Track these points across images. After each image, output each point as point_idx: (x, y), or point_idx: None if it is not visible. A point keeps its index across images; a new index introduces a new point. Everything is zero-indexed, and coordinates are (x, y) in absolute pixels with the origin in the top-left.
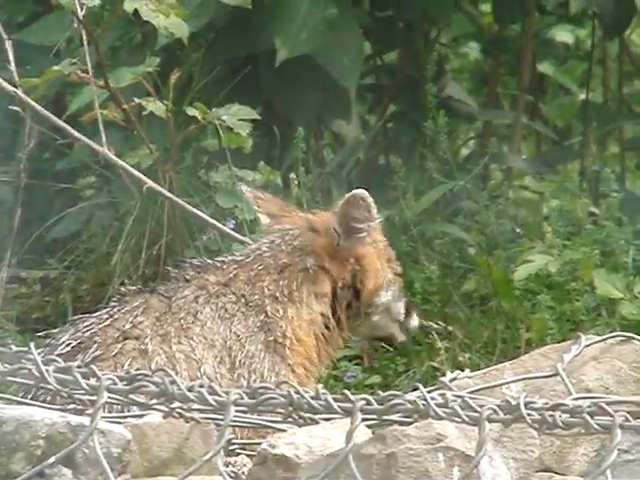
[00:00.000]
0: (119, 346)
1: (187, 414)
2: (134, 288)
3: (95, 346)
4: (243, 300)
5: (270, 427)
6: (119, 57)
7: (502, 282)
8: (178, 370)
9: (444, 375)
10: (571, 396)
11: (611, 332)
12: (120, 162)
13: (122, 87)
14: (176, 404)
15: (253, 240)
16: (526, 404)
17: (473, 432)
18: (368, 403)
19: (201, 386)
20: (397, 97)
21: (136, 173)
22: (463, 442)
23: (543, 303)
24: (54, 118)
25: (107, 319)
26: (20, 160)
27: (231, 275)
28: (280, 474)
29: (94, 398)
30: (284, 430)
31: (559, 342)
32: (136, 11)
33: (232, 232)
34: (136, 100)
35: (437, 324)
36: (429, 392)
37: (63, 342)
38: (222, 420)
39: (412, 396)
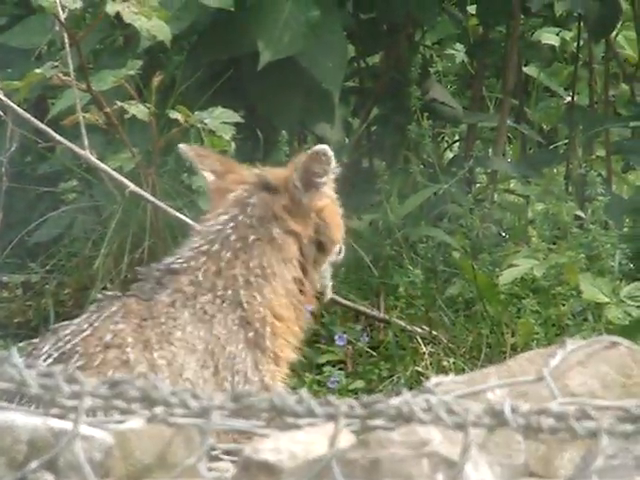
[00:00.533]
0: (101, 356)
1: (169, 419)
2: (110, 293)
3: (77, 356)
4: (219, 297)
5: (253, 432)
6: (101, 60)
7: (487, 286)
8: (160, 377)
9: (428, 380)
10: (557, 401)
11: (597, 336)
12: (102, 166)
13: (104, 90)
14: (158, 409)
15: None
16: (511, 409)
17: (458, 437)
18: (351, 408)
19: (184, 390)
20: (381, 100)
21: (118, 177)
22: (448, 447)
23: (528, 307)
24: (36, 121)
25: (87, 328)
26: (1, 163)
27: (202, 270)
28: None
29: (76, 403)
30: (267, 435)
31: (545, 347)
32: (118, 14)
33: None
34: (118, 103)
35: (421, 328)
36: (413, 397)
37: (45, 352)
38: (205, 425)
39: (396, 401)
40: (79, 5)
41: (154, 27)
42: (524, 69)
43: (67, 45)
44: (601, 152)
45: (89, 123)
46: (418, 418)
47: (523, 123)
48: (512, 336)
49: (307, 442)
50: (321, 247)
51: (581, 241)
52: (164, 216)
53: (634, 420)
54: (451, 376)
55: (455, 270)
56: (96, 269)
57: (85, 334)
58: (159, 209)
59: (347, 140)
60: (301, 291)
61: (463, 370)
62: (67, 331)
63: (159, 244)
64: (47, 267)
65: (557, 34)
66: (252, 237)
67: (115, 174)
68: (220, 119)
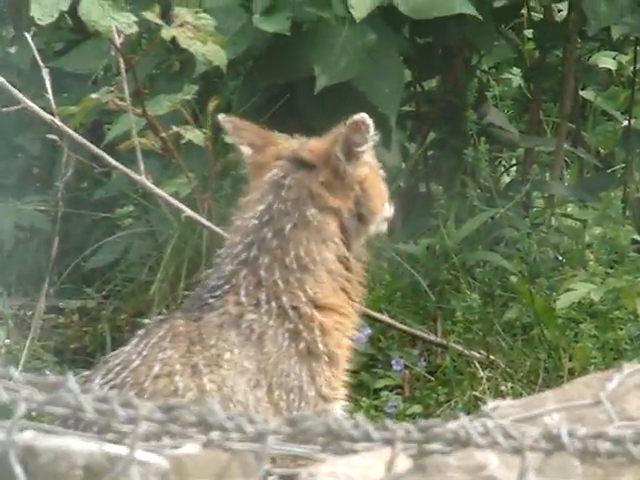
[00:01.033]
0: (152, 387)
1: (225, 444)
2: (157, 318)
3: (127, 386)
4: (264, 314)
5: (309, 456)
6: (157, 85)
7: (544, 311)
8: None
9: (486, 404)
10: (614, 424)
11: None
12: (158, 191)
13: (160, 115)
14: (214, 433)
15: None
16: (568, 433)
17: (515, 461)
18: (408, 432)
19: (240, 415)
20: (437, 124)
21: (174, 202)
22: (504, 471)
23: (586, 332)
24: (92, 146)
25: (136, 358)
26: (58, 189)
27: (244, 286)
28: None
29: (132, 428)
30: (323, 460)
31: (602, 371)
32: (174, 39)
33: None
34: (174, 128)
35: (479, 353)
36: (470, 421)
37: (96, 385)
38: (260, 449)
39: (453, 425)
40: (135, 30)
41: (210, 52)
42: (581, 93)
43: (123, 70)
44: None
45: (145, 148)
46: (475, 442)
47: (580, 147)
48: (569, 360)
49: (364, 466)
50: (362, 218)
51: (638, 265)
52: (220, 241)
53: None
54: (508, 400)
55: (512, 294)
56: (152, 294)
57: (134, 365)
58: (215, 234)
59: (404, 165)
60: (347, 268)
61: (521, 395)
62: (117, 361)
63: None
64: (103, 292)
65: (614, 58)
66: (288, 226)
67: (171, 199)
68: None
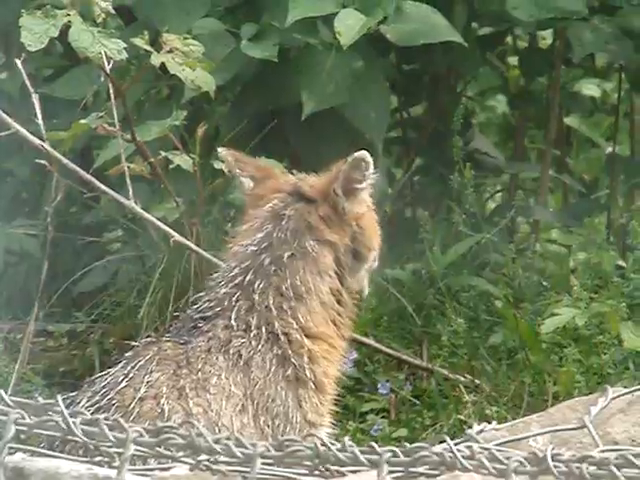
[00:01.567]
0: (137, 409)
1: (214, 466)
2: (146, 340)
3: (113, 409)
4: (253, 338)
5: None
6: (146, 111)
7: (529, 335)
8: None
9: (471, 428)
10: (598, 448)
11: (638, 385)
12: (147, 215)
13: (149, 141)
14: (203, 456)
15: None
16: (553, 456)
17: None
18: (395, 455)
19: (228, 438)
20: (423, 150)
21: (163, 226)
22: None
23: (570, 356)
24: (81, 172)
25: (123, 379)
26: (47, 214)
27: (235, 310)
28: None
29: (121, 451)
30: None
31: (586, 395)
32: (163, 65)
33: None
34: (163, 153)
35: (464, 377)
36: (456, 444)
37: (82, 407)
38: (249, 473)
39: (439, 448)
40: (124, 56)
41: (198, 78)
42: (565, 120)
43: (112, 96)
44: None
45: (134, 173)
46: (461, 465)
47: (565, 173)
48: (554, 384)
49: None
50: (357, 255)
51: (622, 290)
52: (208, 266)
53: None
54: (493, 424)
55: (497, 319)
56: (141, 318)
57: (121, 387)
58: (203, 259)
59: (390, 190)
60: (339, 302)
61: (505, 418)
62: (103, 383)
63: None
64: (92, 316)
65: (598, 85)
66: (286, 254)
67: (160, 224)
68: None
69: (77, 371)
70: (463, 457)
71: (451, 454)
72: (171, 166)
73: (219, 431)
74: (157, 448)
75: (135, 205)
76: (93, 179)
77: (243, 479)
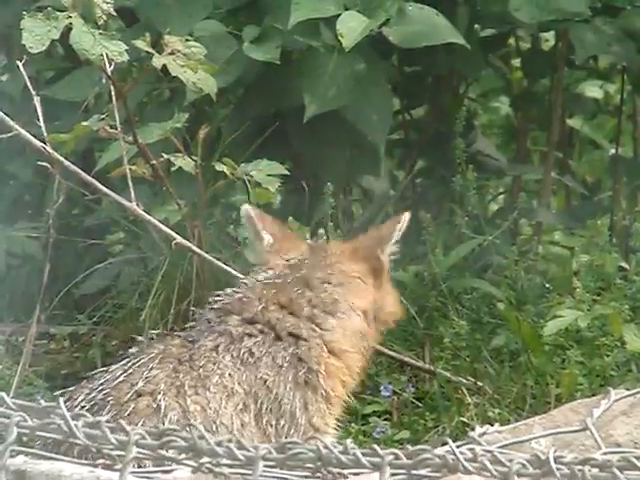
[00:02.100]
0: (132, 405)
1: (216, 469)
2: (156, 335)
3: (108, 407)
4: (272, 335)
5: None
6: (147, 113)
7: (532, 337)
8: (193, 424)
9: (473, 430)
10: (600, 450)
11: None
12: (149, 218)
13: (151, 143)
14: (205, 459)
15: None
16: (555, 458)
17: None
18: (397, 457)
19: (230, 441)
20: (426, 152)
21: (165, 229)
22: None
23: (573, 358)
24: (83, 174)
25: (121, 375)
26: (49, 216)
27: (256, 308)
28: None
29: (123, 453)
30: None
31: (589, 397)
32: (164, 67)
33: None
34: (165, 156)
35: (466, 379)
36: (458, 447)
37: (78, 404)
38: (251, 475)
39: (441, 451)
40: (125, 58)
41: (200, 80)
42: (568, 121)
43: (114, 98)
44: None
45: (136, 175)
46: (463, 468)
47: (567, 175)
48: (556, 387)
49: None
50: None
51: (625, 292)
52: (210, 268)
53: None
54: (496, 426)
55: (500, 321)
56: (143, 321)
57: (117, 381)
58: (205, 261)
59: (392, 192)
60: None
61: (508, 421)
62: (101, 380)
63: (205, 296)
64: (94, 319)
65: (600, 87)
66: (317, 278)
67: (162, 226)
68: (266, 171)
69: (79, 373)
70: (465, 459)
71: (453, 456)
72: (173, 168)
73: (217, 430)
74: (159, 450)
75: (137, 207)
76: (95, 181)
77: None
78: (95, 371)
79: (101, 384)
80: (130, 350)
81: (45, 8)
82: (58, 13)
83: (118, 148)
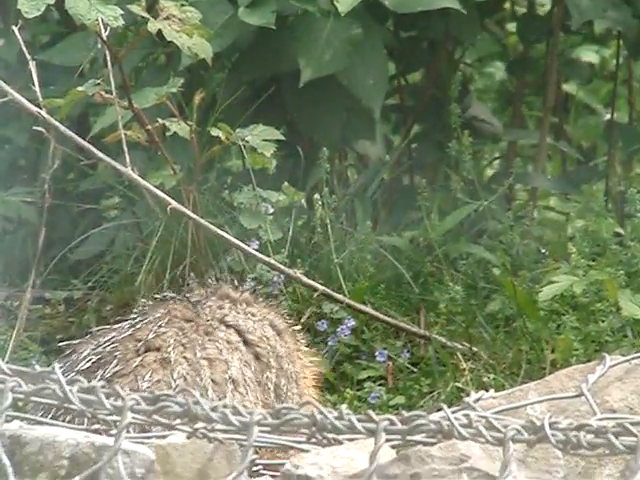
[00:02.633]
0: (139, 359)
1: (210, 434)
2: (158, 297)
3: (115, 361)
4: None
5: (294, 447)
6: (143, 78)
7: (527, 303)
8: (202, 376)
9: (468, 396)
10: (596, 416)
11: (636, 353)
12: (144, 183)
13: (146, 108)
14: (199, 424)
15: (277, 261)
16: (550, 424)
17: (497, 452)
18: (392, 423)
19: (225, 406)
20: (421, 117)
21: (160, 194)
22: (487, 463)
23: (568, 324)
24: (78, 139)
25: (128, 329)
26: (44, 181)
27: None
28: None
29: (118, 418)
30: (308, 450)
31: (584, 363)
32: (160, 32)
33: (256, 253)
34: (160, 121)
35: (462, 345)
36: (453, 412)
37: (84, 357)
38: (246, 440)
39: (436, 416)
40: (121, 23)
41: (196, 45)
42: (563, 86)
43: (109, 63)
44: None
45: (131, 140)
46: (458, 434)
47: (563, 140)
48: (552, 352)
49: (348, 457)
50: None
51: (620, 258)
52: (205, 233)
53: None
54: (491, 392)
55: (495, 287)
56: (138, 285)
57: (125, 335)
58: (200, 226)
59: (388, 157)
60: None
61: (503, 386)
62: (108, 337)
63: (200, 261)
64: (89, 284)
65: (596, 52)
66: None
67: (157, 191)
68: (261, 136)
69: (74, 338)
70: (460, 425)
71: (448, 422)
72: (168, 133)
73: (227, 381)
74: (154, 416)
75: (132, 172)
76: (90, 146)
77: (240, 447)
78: (99, 328)
79: (107, 340)
80: (134, 313)
81: None
82: None
83: (113, 113)
